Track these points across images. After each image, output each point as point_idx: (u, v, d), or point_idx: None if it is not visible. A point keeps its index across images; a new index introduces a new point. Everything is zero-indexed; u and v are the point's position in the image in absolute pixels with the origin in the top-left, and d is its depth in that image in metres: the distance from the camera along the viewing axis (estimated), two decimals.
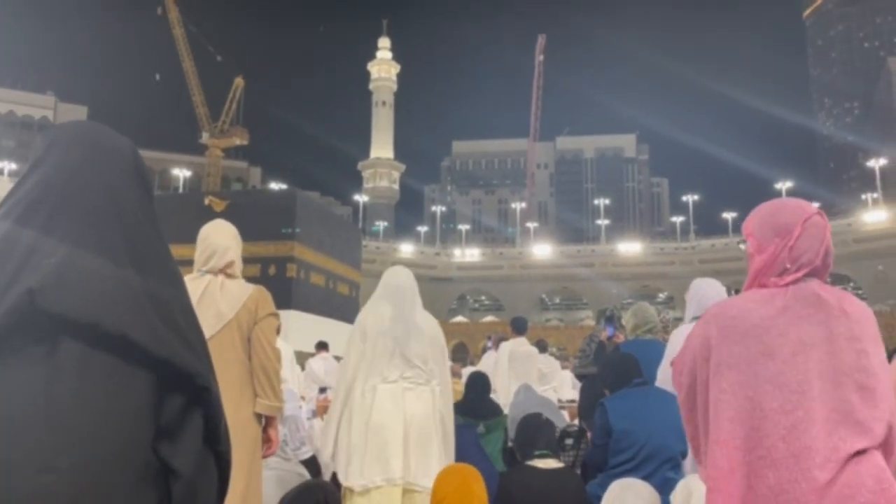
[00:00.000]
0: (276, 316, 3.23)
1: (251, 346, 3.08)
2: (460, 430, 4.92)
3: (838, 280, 58.47)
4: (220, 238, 3.21)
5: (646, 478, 3.26)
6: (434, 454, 3.59)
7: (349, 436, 3.55)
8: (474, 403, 5.10)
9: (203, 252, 3.19)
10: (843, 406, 1.65)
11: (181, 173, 60.01)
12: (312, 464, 5.08)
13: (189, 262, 3.18)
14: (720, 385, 1.72)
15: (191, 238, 3.28)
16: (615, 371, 3.87)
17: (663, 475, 3.42)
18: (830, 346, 1.70)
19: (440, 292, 62.70)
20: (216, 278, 3.13)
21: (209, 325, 2.95)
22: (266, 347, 3.09)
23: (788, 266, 1.79)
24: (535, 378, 7.67)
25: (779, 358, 1.69)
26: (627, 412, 3.55)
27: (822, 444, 1.62)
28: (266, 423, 3.13)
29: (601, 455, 3.63)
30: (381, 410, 3.54)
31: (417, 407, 3.61)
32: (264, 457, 3.17)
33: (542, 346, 9.29)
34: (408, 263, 60.54)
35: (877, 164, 55.64)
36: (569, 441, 5.19)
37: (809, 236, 1.80)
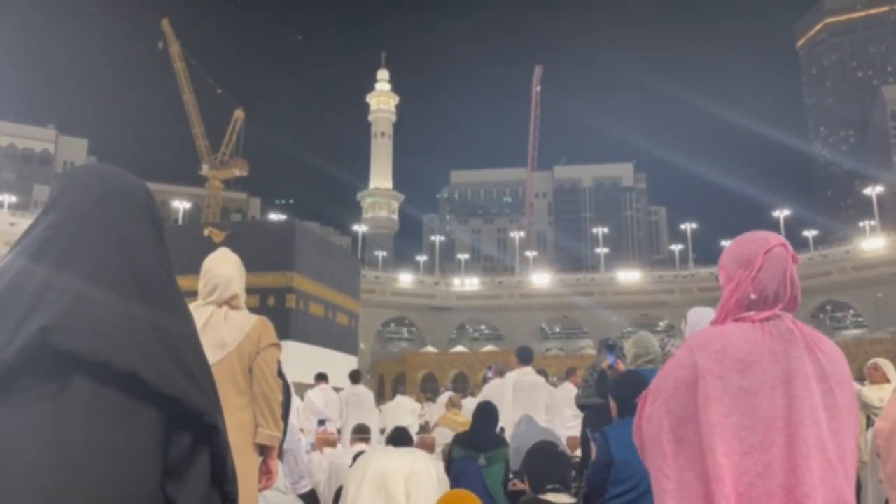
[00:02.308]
0: (279, 346, 3.26)
1: (252, 375, 3.09)
2: (461, 463, 4.87)
3: (838, 307, 58.39)
4: (223, 270, 3.23)
5: None
6: None
7: None
8: (479, 435, 5.05)
9: (207, 284, 3.22)
10: (815, 443, 1.66)
11: (181, 205, 60.16)
12: (311, 497, 5.01)
13: (188, 294, 3.17)
14: (709, 419, 1.70)
15: (190, 269, 3.29)
16: (626, 391, 3.72)
17: None
18: (803, 383, 1.71)
19: (440, 322, 62.47)
20: (220, 309, 3.16)
21: (211, 354, 2.94)
22: (268, 377, 3.10)
23: (754, 297, 1.81)
24: (542, 408, 7.54)
25: (760, 394, 1.70)
26: (629, 442, 3.50)
27: (795, 482, 1.63)
28: (265, 453, 3.12)
29: (600, 476, 3.55)
30: None
31: None
32: (262, 489, 3.14)
33: (542, 376, 9.21)
34: (407, 293, 60.06)
35: (874, 191, 55.85)
36: (573, 472, 5.13)
37: (771, 267, 1.81)
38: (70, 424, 1.03)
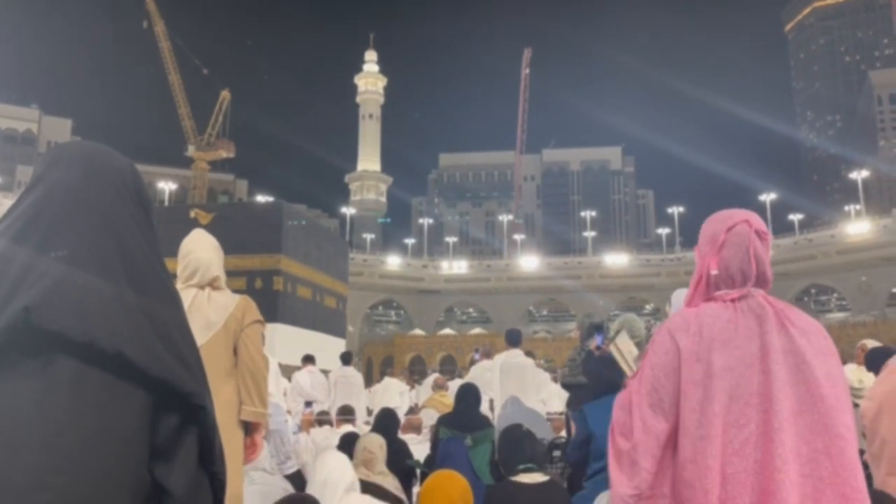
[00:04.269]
0: (262, 323, 3.25)
1: (237, 352, 3.10)
2: (448, 444, 4.90)
3: (822, 291, 58.97)
4: (202, 253, 3.22)
5: None
6: None
7: None
8: (463, 415, 5.08)
9: (186, 268, 3.20)
10: (787, 418, 1.67)
11: (167, 186, 59.66)
12: (297, 478, 5.03)
13: (175, 276, 3.18)
14: (690, 404, 1.71)
15: (176, 251, 3.27)
16: (600, 378, 3.91)
17: None
18: (775, 359, 1.72)
19: (427, 304, 62.58)
20: (203, 291, 3.16)
21: (199, 336, 2.93)
22: (252, 353, 3.11)
23: (715, 272, 1.82)
24: (531, 390, 7.57)
25: (736, 371, 1.72)
26: (607, 418, 3.57)
27: (769, 458, 1.64)
28: (252, 430, 3.12)
29: (581, 450, 3.68)
30: None
31: None
32: (247, 462, 3.17)
33: (530, 359, 9.26)
34: (395, 276, 59.99)
35: (859, 175, 56.26)
36: (556, 453, 5.18)
37: (732, 244, 1.82)
38: (55, 405, 1.02)
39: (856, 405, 6.19)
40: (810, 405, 1.70)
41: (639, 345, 4.93)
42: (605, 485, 3.41)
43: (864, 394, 5.93)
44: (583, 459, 3.71)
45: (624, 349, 2.23)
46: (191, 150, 72.70)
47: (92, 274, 1.10)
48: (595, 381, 4.01)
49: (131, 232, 1.20)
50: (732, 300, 1.80)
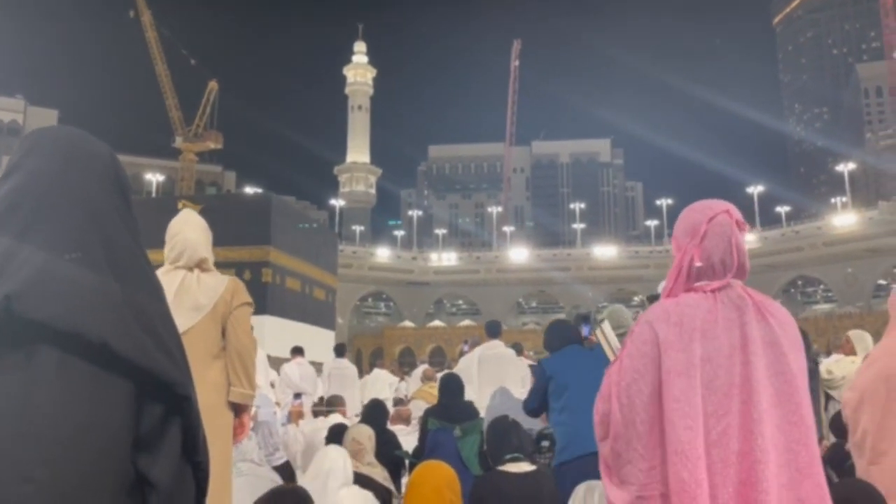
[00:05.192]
0: (251, 305, 3.23)
1: (226, 333, 3.08)
2: (436, 434, 4.93)
3: (809, 283, 59.41)
4: (189, 234, 3.19)
5: (584, 405, 3.52)
6: None
7: None
8: (449, 407, 5.11)
9: (173, 248, 3.17)
10: (766, 409, 1.68)
11: (154, 177, 59.35)
12: (286, 470, 5.04)
13: (160, 266, 3.16)
14: (673, 394, 1.70)
15: (163, 242, 3.25)
16: (558, 336, 4.40)
17: None
18: (754, 349, 1.73)
19: (417, 296, 62.58)
20: (191, 273, 3.13)
21: (188, 317, 2.96)
22: (240, 335, 3.09)
23: (699, 264, 1.81)
24: (515, 381, 7.54)
25: (716, 362, 1.72)
26: (561, 364, 4.12)
27: (748, 448, 1.65)
28: (239, 409, 3.12)
29: (537, 399, 4.19)
30: None
31: None
32: (235, 441, 3.16)
33: (517, 350, 9.28)
34: (384, 268, 59.73)
35: (846, 168, 56.66)
36: (545, 443, 5.21)
37: (714, 235, 1.81)
38: (38, 395, 1.00)
39: (829, 397, 6.22)
40: (787, 396, 1.72)
41: (625, 334, 4.98)
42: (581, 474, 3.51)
43: (836, 384, 6.01)
44: (539, 406, 4.21)
45: (609, 336, 2.24)
46: (178, 142, 72.13)
47: (75, 263, 1.09)
48: (554, 339, 4.38)
49: (114, 221, 1.18)
50: (713, 291, 1.80)
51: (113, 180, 1.23)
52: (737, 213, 1.85)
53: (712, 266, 1.81)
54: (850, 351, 6.29)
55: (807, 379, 1.78)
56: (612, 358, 2.06)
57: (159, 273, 2.98)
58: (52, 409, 1.00)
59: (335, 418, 6.24)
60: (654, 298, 5.55)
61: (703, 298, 1.79)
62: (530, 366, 4.69)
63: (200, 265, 3.16)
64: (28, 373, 1.01)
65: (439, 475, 3.30)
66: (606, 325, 2.36)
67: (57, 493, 0.98)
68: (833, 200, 59.25)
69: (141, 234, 1.24)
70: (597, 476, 3.22)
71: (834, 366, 6.23)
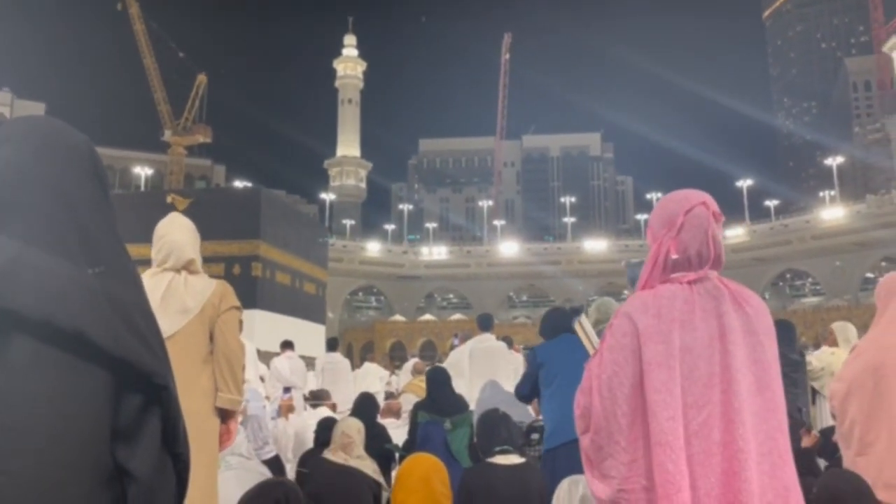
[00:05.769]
0: (239, 309, 3.20)
1: (213, 338, 3.04)
2: (427, 427, 4.93)
3: (797, 276, 59.76)
4: (176, 235, 3.16)
5: (573, 392, 3.58)
6: None
7: None
8: (438, 400, 5.11)
9: (160, 250, 3.14)
10: (746, 398, 1.69)
11: (143, 171, 58.97)
12: (275, 463, 5.04)
13: (151, 263, 3.14)
14: (654, 385, 1.69)
15: (153, 237, 3.22)
16: (552, 324, 4.43)
17: None
18: (733, 339, 1.73)
19: (408, 290, 62.56)
20: (179, 275, 3.10)
21: (175, 321, 2.92)
22: (229, 339, 3.06)
23: (675, 256, 1.79)
24: (506, 374, 7.54)
25: (695, 352, 1.72)
26: (552, 352, 4.17)
27: (730, 438, 1.66)
28: (226, 415, 3.08)
29: (528, 386, 4.26)
30: None
31: None
32: (221, 448, 3.12)
33: (507, 343, 9.29)
34: (375, 262, 59.57)
35: (834, 162, 57.00)
36: (535, 436, 5.22)
37: (691, 227, 1.80)
38: (11, 385, 0.99)
39: (813, 390, 6.26)
40: (766, 384, 1.72)
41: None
42: (567, 464, 3.55)
43: (815, 375, 6.07)
44: (530, 393, 4.29)
45: (587, 329, 2.23)
46: (167, 135, 71.71)
47: (50, 253, 1.07)
48: (548, 327, 4.43)
49: (90, 212, 1.16)
50: (689, 282, 1.79)
51: (90, 171, 1.20)
52: (713, 205, 1.84)
53: (689, 258, 1.80)
54: (835, 343, 6.34)
55: (779, 367, 1.78)
56: (591, 352, 2.05)
57: (146, 275, 2.96)
58: (25, 400, 0.99)
59: (323, 412, 6.23)
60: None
61: (679, 289, 1.78)
62: (524, 349, 4.73)
63: (188, 267, 3.13)
64: (1, 363, 0.99)
65: (427, 466, 3.31)
66: (584, 319, 2.34)
67: (31, 485, 0.96)
68: (821, 194, 59.55)
69: (117, 223, 1.22)
70: (579, 465, 3.26)
71: (814, 357, 6.29)
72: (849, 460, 2.94)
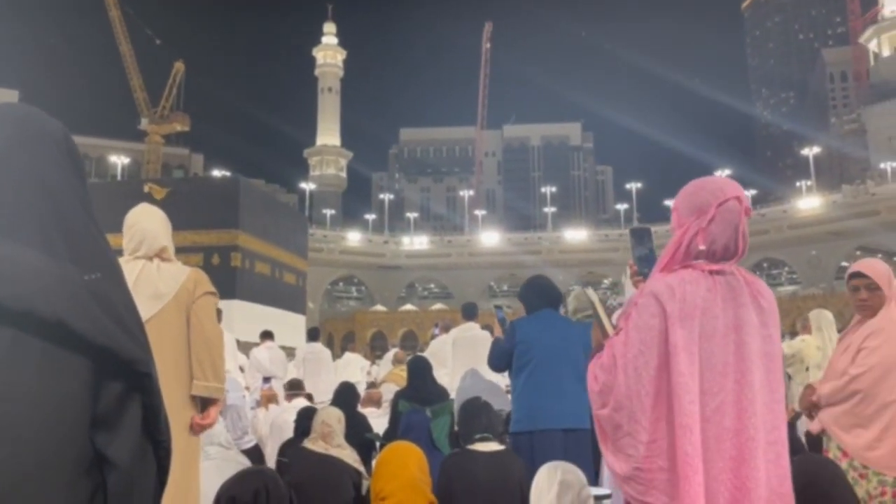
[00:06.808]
0: (215, 295, 3.14)
1: (189, 324, 2.98)
2: (409, 416, 4.95)
3: (774, 265, 60.50)
4: (147, 224, 3.11)
5: (549, 379, 3.82)
6: None
7: None
8: (419, 389, 5.13)
9: (132, 239, 3.09)
10: (759, 389, 1.74)
11: (119, 160, 58.30)
12: (254, 453, 5.03)
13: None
14: (678, 368, 1.70)
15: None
16: (536, 294, 4.27)
17: (571, 382, 3.81)
18: (749, 331, 1.77)
19: (389, 280, 62.50)
20: (151, 262, 3.05)
21: (148, 307, 2.87)
22: (205, 325, 3.00)
23: (702, 248, 1.79)
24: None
25: (713, 340, 1.74)
26: (532, 330, 4.06)
27: (741, 426, 1.71)
28: (206, 403, 3.02)
29: (503, 360, 4.11)
30: None
31: None
32: (199, 431, 3.05)
33: (490, 332, 9.31)
34: (356, 252, 59.38)
35: (811, 152, 57.65)
36: None
37: (723, 220, 1.78)
38: None
39: (788, 375, 6.42)
40: (773, 376, 1.78)
41: (590, 316, 5.03)
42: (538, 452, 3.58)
43: (787, 362, 6.21)
44: (504, 367, 4.17)
45: (596, 303, 2.17)
46: (144, 124, 70.86)
47: (27, 243, 1.06)
48: (532, 297, 4.26)
49: (69, 200, 1.15)
50: (711, 272, 1.80)
51: (66, 158, 1.19)
52: (746, 201, 1.83)
53: (714, 251, 1.80)
54: (810, 331, 6.46)
55: (781, 359, 1.85)
56: (608, 328, 2.02)
57: (120, 263, 2.90)
58: (4, 388, 0.98)
59: (300, 402, 6.23)
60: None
61: (702, 277, 1.78)
62: (500, 320, 4.60)
63: (161, 254, 3.08)
64: None
65: (405, 453, 3.32)
66: (592, 292, 2.31)
67: (11, 472, 0.96)
68: (798, 184, 60.25)
69: (94, 210, 1.20)
70: (553, 454, 3.27)
71: (785, 345, 6.42)
72: (868, 441, 2.98)
